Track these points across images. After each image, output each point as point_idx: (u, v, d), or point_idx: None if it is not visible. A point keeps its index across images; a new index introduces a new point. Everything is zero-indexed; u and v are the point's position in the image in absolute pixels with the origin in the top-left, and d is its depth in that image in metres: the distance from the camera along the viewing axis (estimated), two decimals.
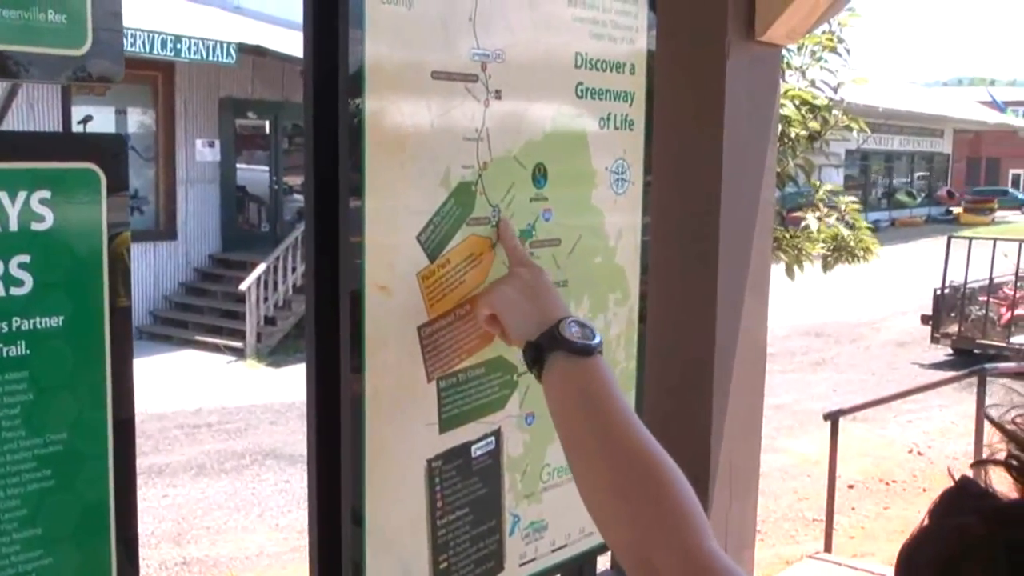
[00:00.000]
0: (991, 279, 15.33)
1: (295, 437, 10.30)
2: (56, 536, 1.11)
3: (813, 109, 7.90)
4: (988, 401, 7.11)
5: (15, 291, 1.06)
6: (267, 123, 17.70)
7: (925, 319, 15.73)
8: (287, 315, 14.96)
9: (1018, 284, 15.27)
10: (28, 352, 1.08)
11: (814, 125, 7.84)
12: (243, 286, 14.58)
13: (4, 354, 1.06)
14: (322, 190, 1.30)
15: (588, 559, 1.79)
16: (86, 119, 13.48)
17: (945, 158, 46.78)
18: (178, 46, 13.87)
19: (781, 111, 6.43)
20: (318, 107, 1.29)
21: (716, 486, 2.25)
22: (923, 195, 43.80)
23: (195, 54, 14.15)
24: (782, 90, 6.78)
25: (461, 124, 1.42)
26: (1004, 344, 14.66)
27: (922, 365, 15.07)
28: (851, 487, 9.30)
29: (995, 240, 15.43)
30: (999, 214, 42.88)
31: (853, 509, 8.86)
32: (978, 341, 15.01)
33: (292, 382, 12.50)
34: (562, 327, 1.30)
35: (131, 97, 15.35)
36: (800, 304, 16.24)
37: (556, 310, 1.35)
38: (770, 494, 8.85)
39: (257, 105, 17.19)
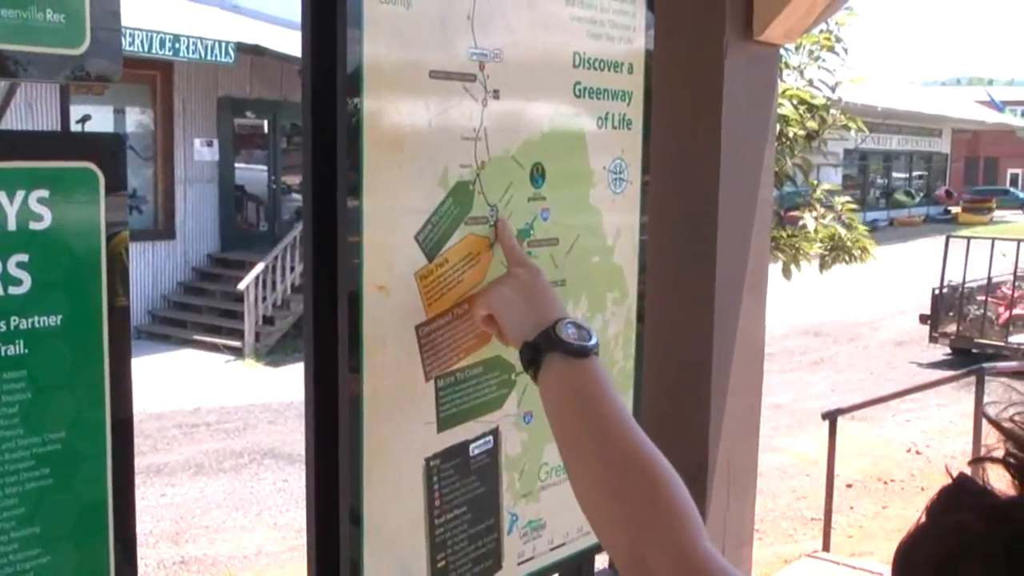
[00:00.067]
0: (989, 278, 15.33)
1: (293, 436, 10.29)
2: (54, 535, 1.11)
3: (811, 108, 7.90)
4: (986, 400, 7.11)
5: (13, 290, 1.06)
6: (265, 122, 17.69)
7: (923, 318, 15.74)
8: (285, 314, 14.95)
9: (1016, 283, 15.28)
10: (26, 351, 1.08)
11: (812, 124, 7.84)
12: (241, 285, 14.58)
13: (2, 353, 1.06)
14: (320, 189, 1.30)
15: (586, 558, 1.79)
16: (84, 118, 13.47)
17: (943, 157, 46.80)
18: (176, 45, 13.86)
19: (779, 110, 6.43)
20: (316, 106, 1.29)
21: (714, 485, 2.25)
22: (921, 195, 43.81)
23: (193, 53, 14.14)
24: (780, 89, 6.78)
25: (459, 124, 1.42)
26: (1002, 343, 14.67)
27: (920, 364, 15.08)
28: (849, 486, 9.31)
29: (993, 240, 15.44)
30: (998, 213, 42.90)
31: (851, 508, 8.87)
32: (976, 340, 15.02)
33: (290, 381, 12.49)
34: (559, 328, 1.30)
35: (129, 96, 15.34)
36: (799, 303, 16.25)
37: (553, 311, 1.35)
38: (768, 493, 8.85)
39: (255, 104, 17.18)
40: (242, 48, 14.64)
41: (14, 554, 1.08)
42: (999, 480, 0.77)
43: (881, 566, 6.14)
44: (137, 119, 15.88)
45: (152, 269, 15.62)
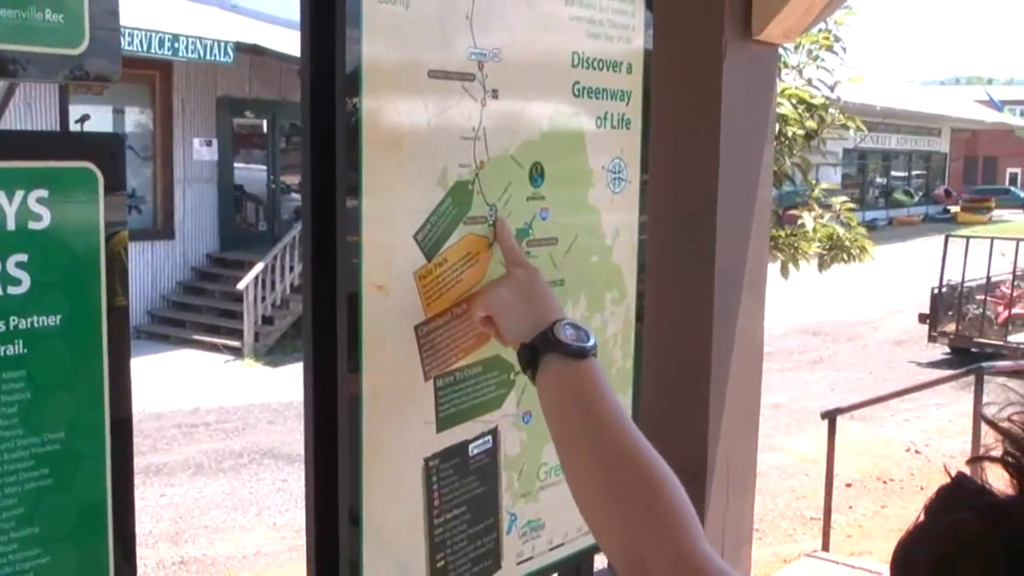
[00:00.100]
0: (988, 278, 15.33)
1: (293, 436, 10.29)
2: (54, 535, 1.11)
3: (810, 108, 7.90)
4: (985, 399, 7.12)
5: (12, 290, 1.06)
6: (265, 122, 17.69)
7: (923, 318, 15.73)
8: (285, 314, 14.95)
9: (1015, 283, 15.29)
10: (26, 351, 1.08)
11: (811, 124, 7.84)
12: (241, 285, 14.57)
13: (2, 353, 1.06)
14: (319, 189, 1.30)
15: (585, 558, 1.79)
16: (83, 118, 13.46)
17: (942, 157, 46.81)
18: (175, 45, 13.86)
19: (778, 110, 6.43)
20: (315, 106, 1.29)
21: (713, 485, 2.25)
22: (920, 194, 43.81)
23: (192, 53, 14.14)
24: (779, 89, 6.79)
25: (458, 123, 1.42)
26: (1001, 342, 14.66)
27: (919, 364, 15.08)
28: (849, 486, 9.31)
29: (992, 239, 15.44)
30: (998, 213, 42.91)
31: (851, 508, 8.87)
32: (975, 340, 15.01)
33: (290, 381, 12.49)
34: (556, 329, 1.30)
35: (128, 96, 15.34)
36: (798, 303, 16.26)
37: (551, 312, 1.35)
38: (768, 493, 8.86)
39: (254, 104, 17.18)
40: (241, 48, 14.64)
41: (13, 554, 1.08)
42: (997, 479, 0.77)
43: (880, 565, 6.14)
44: (136, 119, 15.88)
45: (151, 269, 15.61)
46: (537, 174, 1.55)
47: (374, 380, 1.34)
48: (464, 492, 1.50)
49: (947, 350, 15.59)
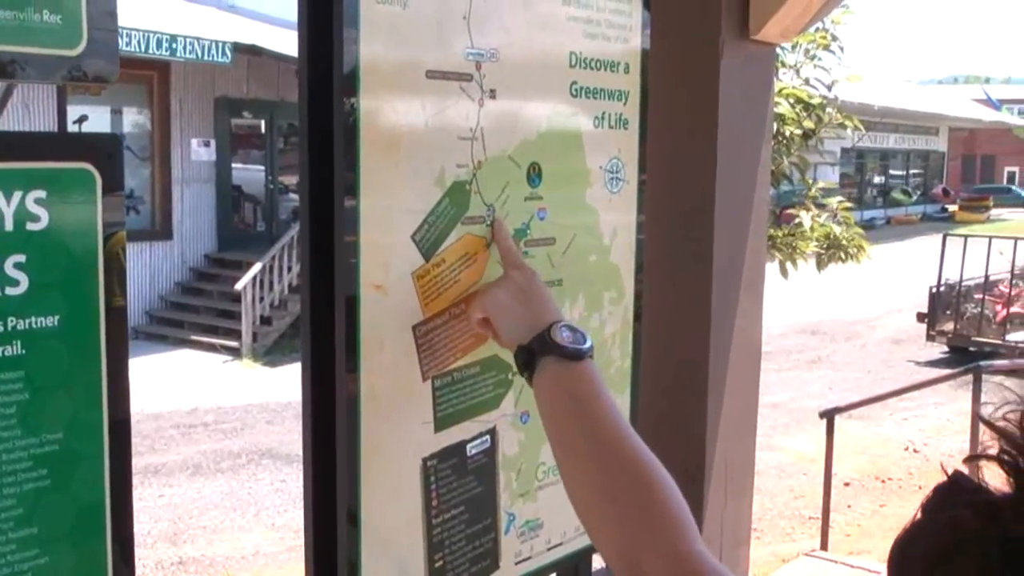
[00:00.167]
0: (987, 277, 15.34)
1: (291, 437, 10.29)
2: (52, 536, 1.11)
3: (808, 107, 7.90)
4: (983, 399, 7.13)
5: (11, 291, 1.06)
6: (262, 122, 17.69)
7: (921, 317, 15.73)
8: (283, 314, 14.95)
9: (1014, 281, 15.29)
10: (24, 352, 1.08)
11: (809, 123, 7.84)
12: (239, 285, 14.57)
13: (0, 354, 1.06)
14: (317, 189, 1.30)
15: (583, 558, 1.79)
16: (81, 119, 13.42)
17: (940, 156, 46.83)
18: (173, 45, 13.85)
19: (775, 109, 6.43)
20: (313, 106, 1.29)
21: (711, 484, 2.25)
22: (918, 193, 43.83)
23: (190, 53, 14.14)
24: (776, 88, 6.79)
25: (456, 123, 1.42)
26: (1000, 341, 14.67)
27: (918, 363, 15.09)
28: (847, 485, 9.32)
29: (990, 238, 15.45)
30: (999, 212, 42.93)
31: (849, 507, 8.88)
32: (974, 339, 15.02)
33: (288, 381, 12.49)
34: (553, 331, 1.30)
35: (127, 97, 15.33)
36: (796, 302, 16.26)
37: (548, 314, 1.35)
38: (766, 492, 8.86)
39: (252, 104, 17.18)
40: (239, 48, 14.64)
41: (12, 555, 1.08)
42: (994, 478, 0.77)
43: (879, 564, 6.15)
44: (134, 119, 15.87)
45: (149, 269, 15.61)
46: (535, 174, 1.55)
47: (372, 380, 1.34)
48: (462, 492, 1.50)
49: (945, 349, 15.60)
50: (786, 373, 13.97)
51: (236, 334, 14.63)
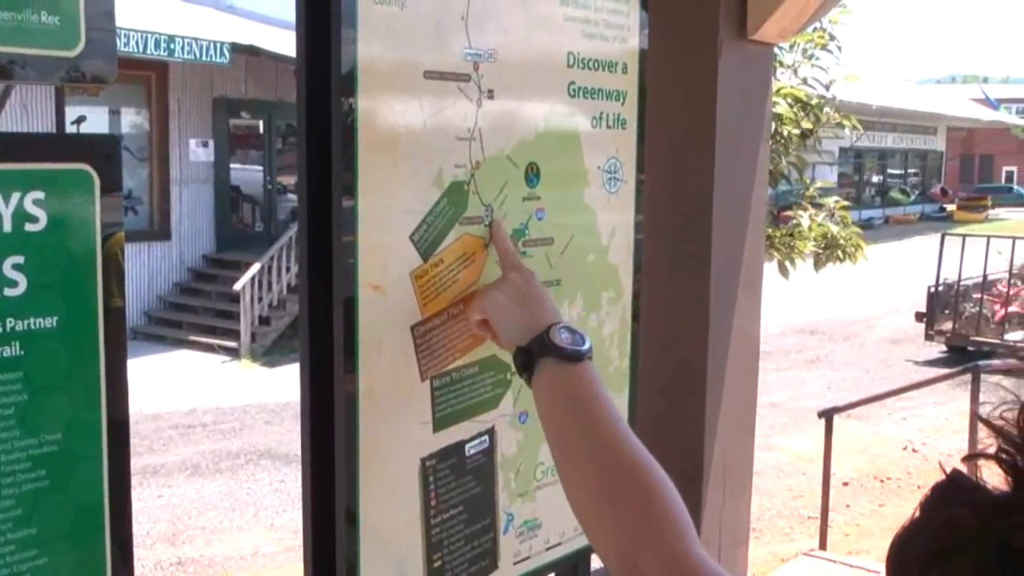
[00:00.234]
0: (985, 276, 15.34)
1: (290, 437, 10.28)
2: (51, 536, 1.12)
3: (806, 107, 7.90)
4: (982, 398, 7.13)
5: (9, 292, 1.06)
6: (261, 123, 17.68)
7: (919, 316, 15.73)
8: (281, 315, 14.95)
9: (1012, 281, 15.30)
10: (22, 352, 1.08)
11: (807, 123, 7.84)
12: (237, 286, 14.57)
13: None
14: (316, 190, 1.30)
15: (582, 557, 1.79)
16: (80, 119, 13.46)
17: (938, 155, 46.84)
18: (171, 46, 13.85)
19: (773, 109, 6.43)
20: (311, 107, 1.29)
21: (710, 484, 2.25)
22: (917, 192, 43.84)
23: (188, 54, 14.13)
24: (774, 88, 6.79)
25: (454, 124, 1.42)
26: (998, 341, 14.66)
27: (916, 362, 15.09)
28: (846, 484, 9.32)
29: (989, 237, 15.46)
30: (996, 211, 42.95)
31: (848, 506, 8.88)
32: (972, 338, 15.02)
33: (287, 382, 12.49)
34: (552, 333, 1.30)
35: (125, 97, 15.33)
36: (794, 302, 16.26)
37: (547, 315, 1.35)
38: (765, 492, 8.86)
39: (251, 105, 17.17)
40: (237, 48, 14.63)
41: (11, 555, 1.08)
42: (993, 477, 0.77)
43: (877, 564, 6.15)
44: (132, 120, 15.86)
45: (148, 270, 15.61)
46: (533, 174, 1.56)
47: (371, 380, 1.34)
48: (461, 492, 1.50)
49: (944, 348, 15.60)
50: (785, 373, 13.97)
51: (235, 334, 14.63)
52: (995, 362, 9.69)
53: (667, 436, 2.17)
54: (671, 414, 2.25)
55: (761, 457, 8.60)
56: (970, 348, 14.68)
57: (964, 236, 15.50)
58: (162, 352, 14.31)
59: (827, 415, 7.30)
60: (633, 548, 1.09)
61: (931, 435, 11.06)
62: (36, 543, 1.10)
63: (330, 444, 1.33)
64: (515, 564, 1.62)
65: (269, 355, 14.51)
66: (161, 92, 15.66)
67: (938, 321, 15.43)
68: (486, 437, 1.54)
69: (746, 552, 2.50)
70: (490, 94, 1.46)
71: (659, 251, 2.11)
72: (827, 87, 8.23)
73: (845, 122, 8.43)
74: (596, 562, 1.91)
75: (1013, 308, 15.23)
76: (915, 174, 44.89)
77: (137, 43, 13.15)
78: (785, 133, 7.64)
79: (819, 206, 8.51)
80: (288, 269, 14.91)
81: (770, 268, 7.17)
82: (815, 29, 7.70)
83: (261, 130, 17.75)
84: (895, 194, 42.31)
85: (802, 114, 7.83)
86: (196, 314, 15.51)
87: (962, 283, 15.37)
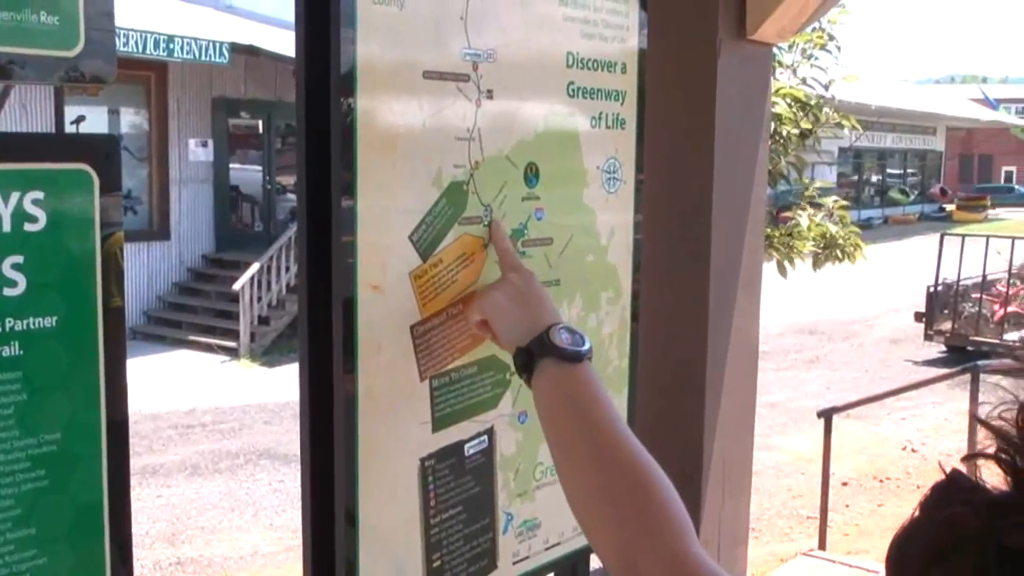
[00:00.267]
0: (984, 276, 15.34)
1: (289, 437, 10.27)
2: (50, 536, 1.12)
3: (805, 107, 7.91)
4: (981, 398, 7.13)
5: (8, 292, 1.06)
6: (260, 123, 17.68)
7: (918, 316, 15.74)
8: (281, 315, 14.94)
9: (1011, 281, 15.30)
10: (22, 352, 1.08)
11: (806, 123, 7.84)
12: (237, 286, 14.56)
13: None
14: (315, 190, 1.30)
15: (581, 557, 1.80)
16: (79, 119, 13.46)
17: (938, 155, 46.84)
18: (171, 46, 13.84)
19: (773, 109, 6.43)
20: (310, 107, 1.29)
21: (709, 484, 2.25)
22: (916, 192, 43.83)
23: (188, 54, 14.13)
24: (773, 88, 6.79)
25: (453, 124, 1.42)
26: (997, 341, 14.65)
27: (915, 362, 15.09)
28: (845, 484, 9.32)
29: (988, 237, 15.46)
30: (995, 211, 42.96)
31: (847, 506, 8.88)
32: (971, 338, 15.02)
33: (286, 382, 12.48)
34: (552, 333, 1.30)
35: (124, 97, 15.32)
36: (793, 302, 16.27)
37: (546, 316, 1.35)
38: (764, 492, 8.86)
39: (250, 105, 17.17)
40: (236, 48, 14.63)
41: (10, 555, 1.08)
42: (993, 477, 0.77)
43: (877, 564, 6.15)
44: (132, 120, 15.85)
45: (147, 270, 15.61)
46: (532, 174, 1.56)
47: (370, 380, 1.34)
48: (460, 492, 1.50)
49: (943, 348, 15.60)
50: (784, 373, 13.97)
51: (234, 334, 14.62)
52: (994, 362, 9.69)
53: (666, 436, 2.17)
54: (670, 414, 2.25)
55: (760, 457, 8.61)
56: (969, 348, 14.68)
57: (963, 236, 15.50)
58: (161, 352, 14.31)
59: (826, 415, 7.31)
60: (632, 548, 1.09)
61: (930, 435, 11.07)
62: (35, 543, 1.10)
63: (329, 444, 1.33)
64: (514, 564, 1.63)
65: (268, 355, 14.51)
66: (160, 92, 15.65)
67: (937, 321, 15.43)
68: (485, 437, 1.54)
69: (745, 552, 2.50)
70: (489, 94, 1.46)
71: (658, 251, 2.11)
72: (826, 87, 8.23)
73: (844, 122, 8.43)
74: (595, 562, 1.91)
75: (1012, 308, 15.23)
76: (914, 174, 44.88)
77: (136, 43, 13.15)
78: (784, 133, 7.64)
79: (818, 206, 8.51)
80: (287, 269, 14.91)
81: (769, 268, 7.17)
82: (814, 29, 7.70)
83: (260, 130, 17.74)
84: (894, 194, 42.31)
85: (801, 114, 7.84)
86: (195, 314, 15.51)
87: (961, 283, 15.37)
